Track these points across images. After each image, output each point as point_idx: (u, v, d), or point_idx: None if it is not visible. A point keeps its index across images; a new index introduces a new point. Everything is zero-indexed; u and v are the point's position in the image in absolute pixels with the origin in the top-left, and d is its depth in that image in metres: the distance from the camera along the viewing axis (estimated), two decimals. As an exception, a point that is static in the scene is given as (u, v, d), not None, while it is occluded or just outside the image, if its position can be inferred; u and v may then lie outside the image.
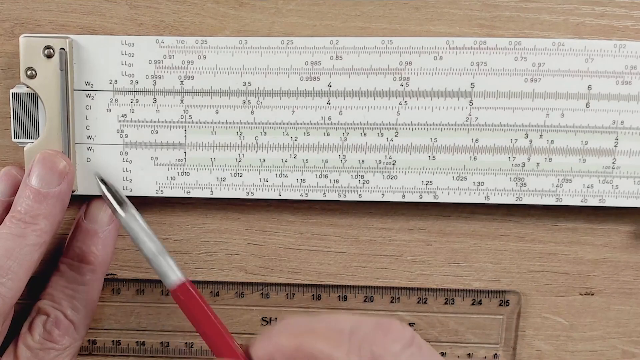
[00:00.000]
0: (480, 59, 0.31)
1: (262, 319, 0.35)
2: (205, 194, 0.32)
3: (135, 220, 0.30)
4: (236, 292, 0.35)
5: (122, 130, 0.32)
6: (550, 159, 0.32)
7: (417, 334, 0.23)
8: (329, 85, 0.31)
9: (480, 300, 0.34)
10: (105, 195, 0.31)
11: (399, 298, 0.34)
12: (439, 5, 0.32)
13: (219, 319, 0.28)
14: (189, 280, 0.29)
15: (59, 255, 0.33)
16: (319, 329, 0.23)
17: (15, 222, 0.29)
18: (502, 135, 0.32)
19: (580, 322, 0.35)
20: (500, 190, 0.32)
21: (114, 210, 0.30)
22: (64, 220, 0.32)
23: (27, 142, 0.32)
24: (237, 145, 0.32)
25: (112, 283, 0.35)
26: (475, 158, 0.32)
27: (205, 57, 0.31)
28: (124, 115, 0.32)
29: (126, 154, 0.32)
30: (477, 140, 0.32)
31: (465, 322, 0.35)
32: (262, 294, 0.35)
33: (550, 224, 0.34)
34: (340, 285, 0.35)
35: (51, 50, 0.31)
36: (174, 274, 0.28)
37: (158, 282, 0.35)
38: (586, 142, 0.32)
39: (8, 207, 0.30)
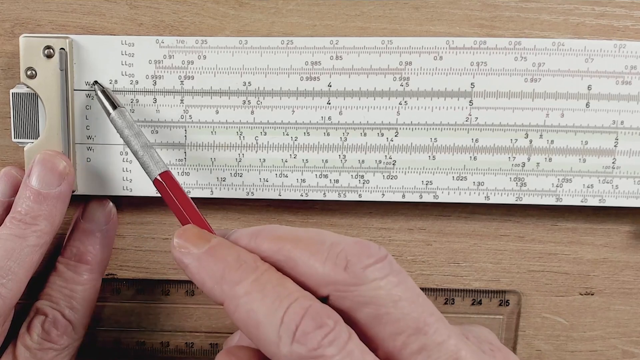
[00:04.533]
0: (480, 59, 0.31)
1: (262, 319, 0.35)
2: (205, 194, 0.32)
3: (122, 117, 0.30)
4: (236, 292, 0.35)
5: (122, 130, 0.32)
6: (550, 159, 0.32)
7: (392, 256, 0.24)
8: (329, 85, 0.31)
9: (480, 300, 0.34)
10: (98, 96, 0.31)
11: (399, 298, 0.34)
12: (439, 5, 0.32)
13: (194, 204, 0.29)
14: (170, 171, 0.30)
15: (56, 255, 0.33)
16: (303, 237, 0.25)
17: (16, 222, 0.29)
18: (502, 135, 0.32)
19: (580, 322, 0.35)
20: (500, 190, 0.32)
21: (104, 109, 0.31)
22: (63, 220, 0.32)
23: (27, 142, 0.32)
24: (237, 145, 0.32)
25: (112, 283, 0.35)
26: (475, 158, 0.32)
27: (205, 57, 0.31)
28: (124, 115, 0.32)
29: (126, 154, 0.32)
30: (477, 140, 0.32)
31: (465, 322, 0.34)
32: (262, 294, 0.35)
33: (550, 224, 0.34)
34: (340, 285, 0.34)
35: (51, 50, 0.31)
36: (157, 164, 0.29)
37: (158, 282, 0.35)
38: (586, 142, 0.32)
39: (8, 208, 0.30)
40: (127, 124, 0.30)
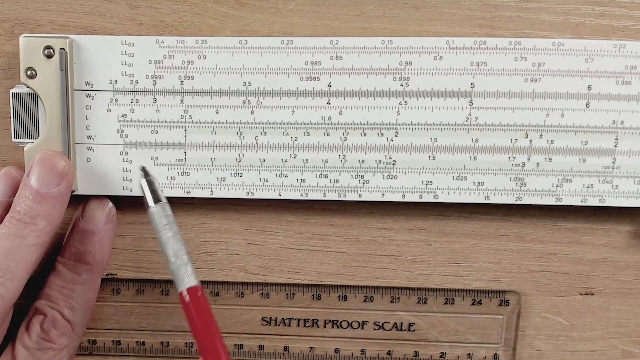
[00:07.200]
0: (480, 59, 0.31)
1: (262, 319, 0.35)
2: (205, 194, 0.32)
3: (163, 213, 0.28)
4: (236, 292, 0.35)
5: (122, 130, 0.32)
6: (550, 159, 0.32)
7: None
8: (329, 85, 0.31)
9: (480, 300, 0.34)
10: (141, 184, 0.29)
11: (399, 298, 0.34)
12: (439, 5, 0.32)
13: (219, 330, 0.27)
14: (202, 286, 0.27)
15: (56, 255, 0.33)
16: None
17: (15, 222, 0.29)
18: (502, 135, 0.32)
19: (580, 322, 0.35)
20: (500, 190, 0.32)
21: (145, 199, 0.28)
22: (62, 220, 0.32)
23: (27, 142, 0.32)
24: (237, 145, 0.32)
25: (112, 283, 0.35)
26: (475, 158, 0.32)
27: (205, 57, 0.31)
28: (124, 115, 0.32)
29: (126, 154, 0.32)
30: (477, 140, 0.32)
31: (465, 322, 0.35)
32: (262, 294, 0.35)
33: (550, 224, 0.34)
34: (340, 285, 0.35)
35: (51, 50, 0.31)
36: (189, 277, 0.27)
37: (158, 282, 0.35)
38: (586, 142, 0.32)
39: (8, 208, 0.30)
40: (168, 223, 0.27)
